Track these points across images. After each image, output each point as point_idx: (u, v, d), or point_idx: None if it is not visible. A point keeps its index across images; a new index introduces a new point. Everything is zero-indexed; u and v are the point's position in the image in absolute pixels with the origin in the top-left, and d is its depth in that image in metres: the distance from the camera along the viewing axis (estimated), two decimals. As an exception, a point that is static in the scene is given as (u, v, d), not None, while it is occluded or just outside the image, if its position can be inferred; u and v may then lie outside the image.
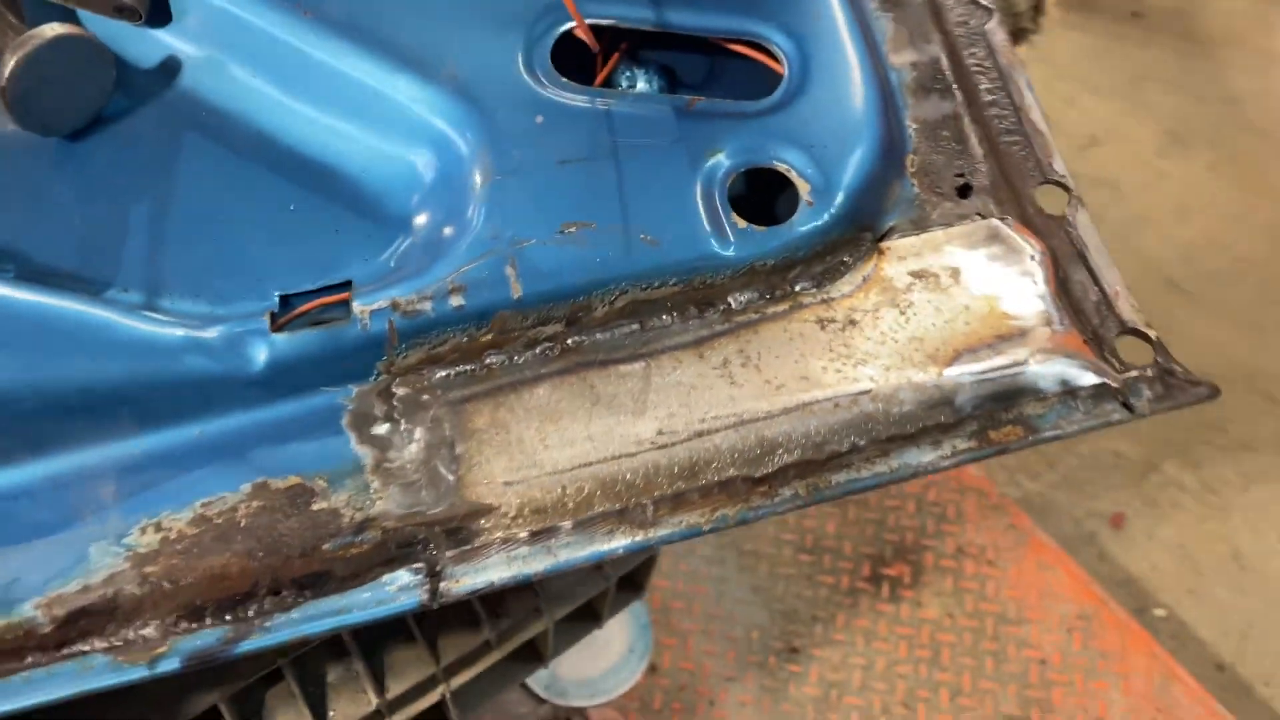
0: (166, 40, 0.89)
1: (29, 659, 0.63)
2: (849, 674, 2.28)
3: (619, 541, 0.70)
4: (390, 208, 0.81)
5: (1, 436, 0.68)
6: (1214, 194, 2.97)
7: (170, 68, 0.87)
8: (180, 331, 0.72)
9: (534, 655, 1.43)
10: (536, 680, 2.21)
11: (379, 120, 0.81)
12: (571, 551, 0.70)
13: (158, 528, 0.69)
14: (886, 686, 2.26)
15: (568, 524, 0.71)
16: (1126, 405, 0.74)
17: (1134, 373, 0.76)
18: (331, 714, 1.21)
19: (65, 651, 0.64)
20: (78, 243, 0.80)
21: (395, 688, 1.24)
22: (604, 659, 2.29)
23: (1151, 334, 0.77)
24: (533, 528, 0.71)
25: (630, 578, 1.44)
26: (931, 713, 2.22)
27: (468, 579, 0.68)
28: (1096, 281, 0.80)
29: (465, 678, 1.29)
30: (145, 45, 0.90)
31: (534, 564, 0.69)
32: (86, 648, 0.64)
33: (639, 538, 0.70)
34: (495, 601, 1.30)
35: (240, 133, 0.84)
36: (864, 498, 2.55)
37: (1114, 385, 0.75)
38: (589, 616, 1.46)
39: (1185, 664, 2.25)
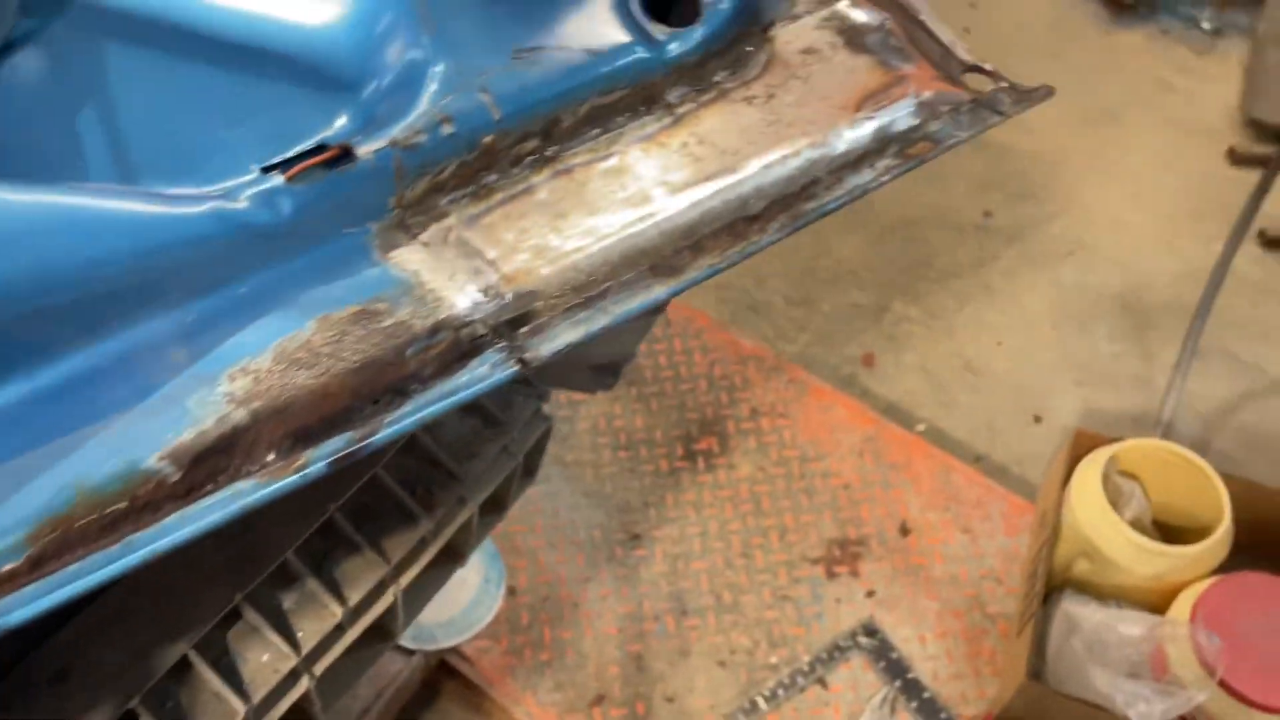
0: None
1: (167, 507, 0.66)
2: (689, 544, 2.47)
3: (659, 290, 0.80)
4: (338, 73, 0.85)
5: (59, 327, 0.69)
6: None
7: (65, -20, 0.86)
8: (206, 206, 0.75)
9: (454, 556, 1.49)
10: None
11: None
12: (623, 305, 0.79)
13: (244, 371, 0.71)
14: (724, 544, 2.46)
15: (611, 285, 0.81)
16: (997, 111, 0.94)
17: (990, 90, 0.96)
18: (300, 634, 1.23)
19: (200, 492, 0.66)
20: (38, 159, 0.79)
21: (352, 596, 1.27)
22: (462, 595, 2.33)
23: (988, 66, 0.97)
24: (583, 296, 0.80)
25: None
26: (767, 554, 2.44)
27: (546, 346, 0.76)
28: (934, 36, 0.99)
29: (410, 575, 1.34)
30: None
31: (596, 321, 0.78)
32: (221, 483, 0.67)
33: (674, 283, 0.81)
34: (425, 496, 1.35)
35: (161, 32, 0.84)
36: (660, 388, 2.73)
37: (983, 99, 0.95)
38: (496, 509, 1.54)
39: (952, 461, 2.62)
